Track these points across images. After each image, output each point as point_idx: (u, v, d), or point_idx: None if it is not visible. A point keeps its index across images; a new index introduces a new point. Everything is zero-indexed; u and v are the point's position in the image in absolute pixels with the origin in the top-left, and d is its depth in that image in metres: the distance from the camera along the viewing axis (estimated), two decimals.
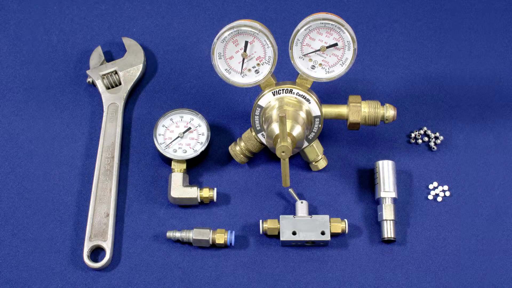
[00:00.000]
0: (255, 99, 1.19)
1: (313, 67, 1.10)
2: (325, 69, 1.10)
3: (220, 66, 1.10)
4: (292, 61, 1.09)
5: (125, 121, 1.25)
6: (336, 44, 1.08)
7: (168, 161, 1.19)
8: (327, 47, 1.08)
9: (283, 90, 1.12)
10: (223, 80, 1.11)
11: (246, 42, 1.08)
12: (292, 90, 1.11)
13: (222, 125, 1.24)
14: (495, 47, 1.32)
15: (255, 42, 1.08)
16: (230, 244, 1.14)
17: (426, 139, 1.23)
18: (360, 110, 1.14)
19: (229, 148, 1.19)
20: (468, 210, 1.18)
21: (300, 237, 1.13)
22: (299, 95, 1.12)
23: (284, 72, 1.26)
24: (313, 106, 1.12)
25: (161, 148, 1.18)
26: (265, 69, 1.10)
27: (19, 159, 1.22)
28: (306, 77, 1.10)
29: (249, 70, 1.10)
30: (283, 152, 1.06)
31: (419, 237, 1.16)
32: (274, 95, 1.12)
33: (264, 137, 1.15)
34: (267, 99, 1.12)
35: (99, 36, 1.33)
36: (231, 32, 1.07)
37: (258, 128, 1.15)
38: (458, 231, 1.16)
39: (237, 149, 1.18)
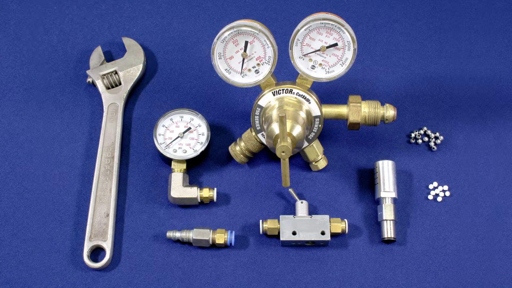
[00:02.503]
0: (255, 99, 1.19)
1: (313, 67, 1.10)
2: (325, 69, 1.10)
3: (220, 66, 1.10)
4: (292, 61, 1.09)
5: (125, 121, 1.25)
6: (336, 44, 1.08)
7: (168, 161, 1.19)
8: (327, 47, 1.08)
9: (283, 90, 1.12)
10: (223, 80, 1.11)
11: (246, 42, 1.08)
12: (292, 90, 1.11)
13: (222, 125, 1.24)
14: (495, 47, 1.32)
15: (255, 42, 1.08)
16: (230, 244, 1.14)
17: (426, 139, 1.23)
18: (360, 110, 1.14)
19: (229, 148, 1.19)
20: (468, 210, 1.18)
21: (300, 237, 1.13)
22: (299, 95, 1.12)
23: (284, 72, 1.26)
24: (313, 106, 1.12)
25: (161, 148, 1.18)
26: (265, 69, 1.10)
27: (19, 159, 1.22)
28: (306, 77, 1.10)
29: (249, 70, 1.10)
30: (283, 152, 1.06)
31: (419, 237, 1.16)
32: (274, 95, 1.12)
33: (264, 137, 1.15)
34: (267, 99, 1.12)
35: (99, 36, 1.33)
36: (231, 32, 1.07)
37: (258, 128, 1.15)
38: (458, 231, 1.16)
39: (237, 149, 1.18)
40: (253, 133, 1.16)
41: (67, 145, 1.23)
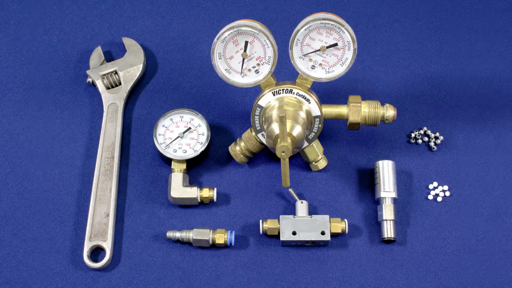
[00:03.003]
0: (255, 99, 1.19)
1: (313, 67, 1.10)
2: (325, 69, 1.10)
3: (220, 66, 1.10)
4: (292, 61, 1.09)
5: (125, 121, 1.25)
6: (336, 44, 1.08)
7: (168, 161, 1.19)
8: (327, 47, 1.08)
9: (283, 90, 1.12)
10: (223, 80, 1.11)
11: (246, 42, 1.08)
12: (292, 90, 1.11)
13: (222, 125, 1.24)
14: (495, 47, 1.32)
15: (255, 42, 1.08)
16: (230, 244, 1.14)
17: (426, 139, 1.23)
18: (360, 110, 1.14)
19: (229, 148, 1.19)
20: (468, 210, 1.18)
21: (300, 237, 1.13)
22: (299, 95, 1.12)
23: (284, 72, 1.26)
24: (313, 106, 1.12)
25: (161, 148, 1.18)
26: (265, 69, 1.10)
27: (19, 159, 1.22)
28: (306, 77, 1.10)
29: (249, 70, 1.10)
30: (283, 152, 1.06)
31: (419, 237, 1.16)
32: (274, 95, 1.12)
33: (264, 137, 1.15)
34: (267, 99, 1.12)
35: (99, 36, 1.33)
36: (231, 32, 1.07)
37: (258, 128, 1.15)
38: (458, 231, 1.16)
39: (237, 149, 1.18)
40: (253, 133, 1.16)
41: (67, 145, 1.23)
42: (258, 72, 1.11)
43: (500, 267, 1.14)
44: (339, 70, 1.10)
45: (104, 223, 1.16)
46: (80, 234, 1.16)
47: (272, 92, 1.12)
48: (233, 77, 1.11)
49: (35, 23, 1.34)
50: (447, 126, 1.24)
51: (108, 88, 1.26)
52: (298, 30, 1.07)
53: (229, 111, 1.26)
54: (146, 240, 1.16)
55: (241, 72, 1.11)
